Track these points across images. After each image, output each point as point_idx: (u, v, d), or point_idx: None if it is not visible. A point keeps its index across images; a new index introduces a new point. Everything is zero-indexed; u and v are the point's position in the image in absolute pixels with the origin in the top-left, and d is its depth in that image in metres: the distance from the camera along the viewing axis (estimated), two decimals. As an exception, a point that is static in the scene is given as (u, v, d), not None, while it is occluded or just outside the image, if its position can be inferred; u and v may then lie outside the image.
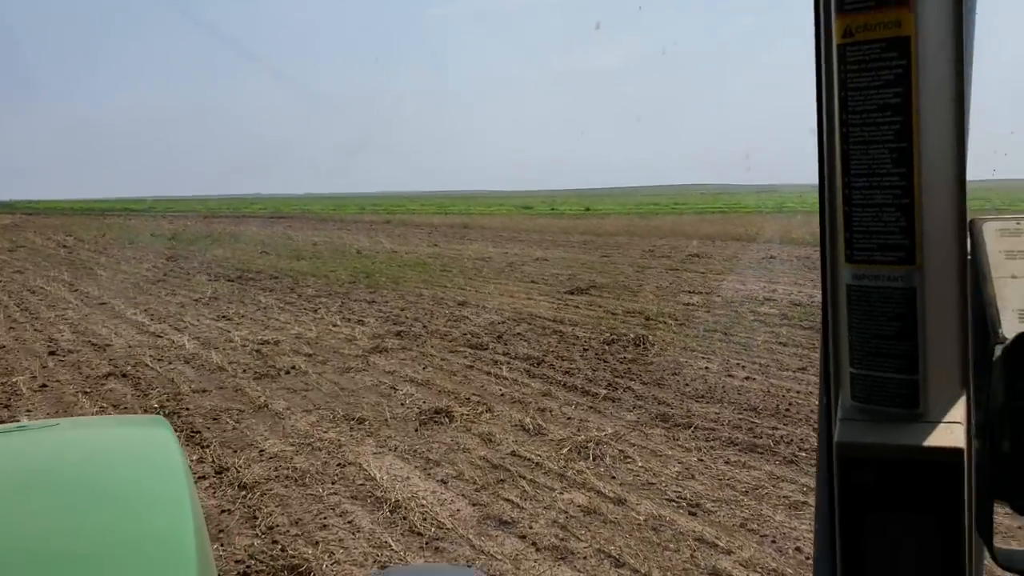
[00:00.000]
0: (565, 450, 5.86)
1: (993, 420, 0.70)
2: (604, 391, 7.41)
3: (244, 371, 8.59)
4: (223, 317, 12.24)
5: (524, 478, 5.38)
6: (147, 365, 8.93)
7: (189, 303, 13.88)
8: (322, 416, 6.85)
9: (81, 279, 18.12)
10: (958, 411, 0.71)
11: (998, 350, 0.72)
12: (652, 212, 53.10)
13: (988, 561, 0.75)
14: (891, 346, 0.71)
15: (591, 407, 6.96)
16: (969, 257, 0.74)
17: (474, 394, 7.41)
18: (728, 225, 34.85)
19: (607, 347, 9.31)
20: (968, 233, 0.73)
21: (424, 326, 11.06)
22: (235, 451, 6.06)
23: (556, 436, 6.18)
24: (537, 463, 5.66)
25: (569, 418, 6.65)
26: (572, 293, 14.11)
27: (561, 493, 5.14)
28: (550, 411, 6.85)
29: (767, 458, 5.65)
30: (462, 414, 6.70)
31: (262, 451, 6.04)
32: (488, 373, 8.24)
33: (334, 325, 11.35)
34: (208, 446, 6.11)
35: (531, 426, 6.41)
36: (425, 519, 4.78)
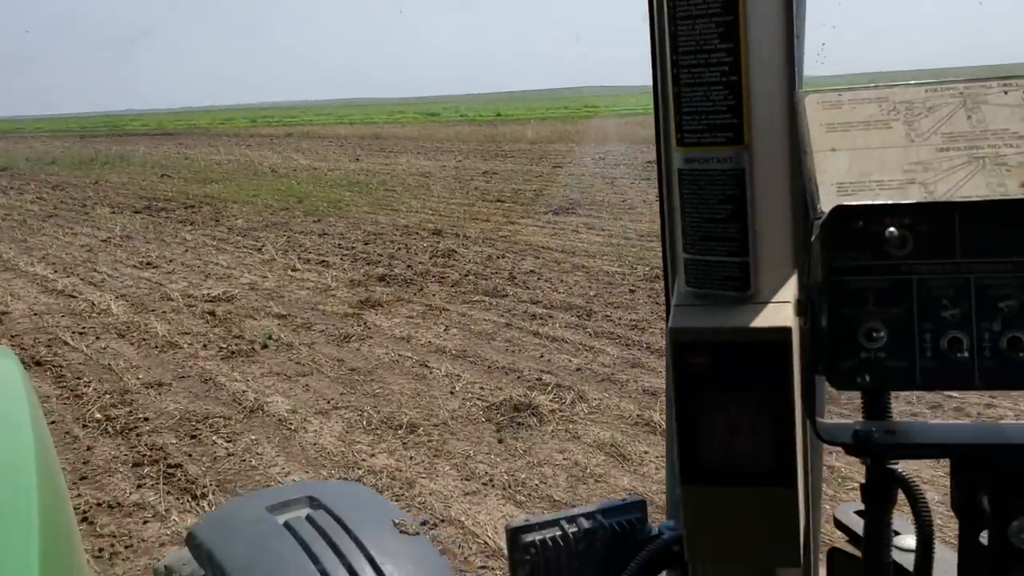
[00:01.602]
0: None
1: (814, 296, 0.72)
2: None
3: (205, 346, 6.43)
4: (146, 263, 9.84)
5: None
6: (66, 343, 6.65)
7: (97, 245, 11.33)
8: (349, 422, 4.86)
9: (-50, 217, 15.08)
10: (788, 291, 0.71)
11: (816, 225, 0.72)
12: (570, 116, 51.06)
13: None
14: (722, 229, 0.71)
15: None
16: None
17: (541, 370, 5.52)
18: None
19: (655, 286, 7.51)
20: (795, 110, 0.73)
21: (408, 266, 9.00)
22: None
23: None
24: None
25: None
26: (556, 213, 12.21)
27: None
28: (663, 391, 5.05)
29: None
30: (550, 408, 4.81)
31: (286, 494, 4.04)
32: (535, 334, 6.34)
33: (293, 269, 9.16)
34: (200, 493, 4.05)
35: (659, 420, 4.60)
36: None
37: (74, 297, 8.26)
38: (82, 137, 52.36)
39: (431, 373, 5.59)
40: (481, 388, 5.24)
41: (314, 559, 1.23)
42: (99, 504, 3.95)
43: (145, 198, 16.77)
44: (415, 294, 7.78)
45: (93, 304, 7.90)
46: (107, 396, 5.39)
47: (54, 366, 6.07)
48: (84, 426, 4.93)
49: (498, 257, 9.26)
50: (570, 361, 5.67)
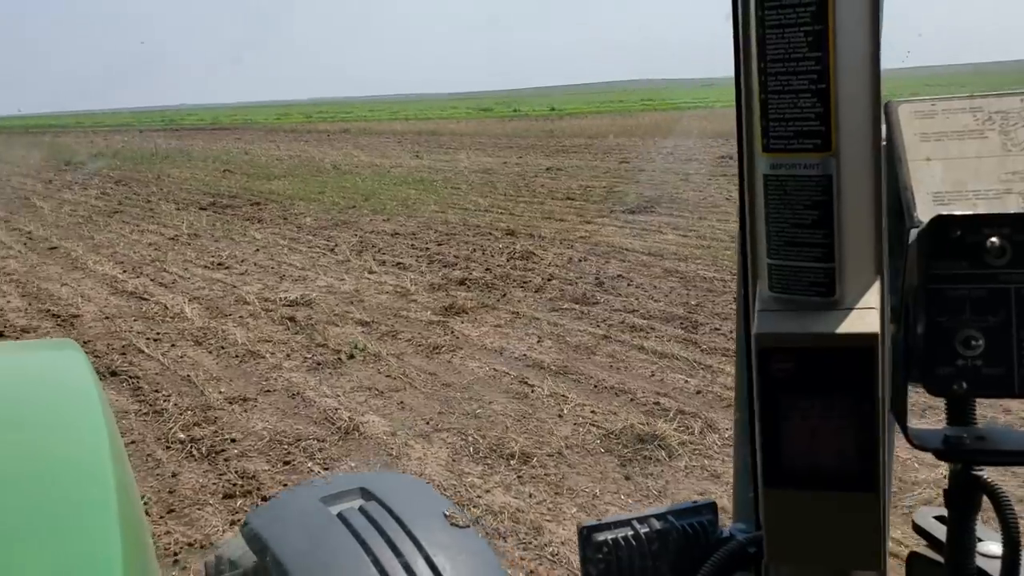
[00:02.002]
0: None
1: (908, 304, 0.74)
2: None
3: (288, 356, 6.06)
4: (217, 264, 9.56)
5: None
6: (141, 351, 6.34)
7: (164, 243, 11.10)
8: (453, 447, 4.42)
9: (18, 213, 15.06)
10: (873, 297, 0.71)
11: (913, 234, 0.74)
12: (625, 110, 50.27)
13: (901, 441, 0.77)
14: (808, 235, 0.71)
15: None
16: (884, 142, 0.74)
17: (656, 391, 5.03)
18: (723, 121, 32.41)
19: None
20: (884, 117, 0.73)
21: (486, 269, 8.57)
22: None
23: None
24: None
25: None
26: (632, 212, 11.68)
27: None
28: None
29: None
30: (679, 439, 4.32)
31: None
32: (639, 348, 5.85)
33: (369, 271, 8.78)
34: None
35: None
36: None
37: (146, 299, 7.98)
38: (140, 132, 53.09)
39: (533, 392, 5.13)
40: (592, 412, 4.77)
41: (367, 550, 1.23)
42: (190, 544, 3.56)
43: (209, 194, 16.61)
44: (499, 300, 7.33)
45: (166, 307, 7.60)
46: (189, 413, 5.04)
47: (130, 377, 5.74)
48: (167, 447, 4.57)
49: (580, 260, 8.78)
50: (686, 382, 5.17)
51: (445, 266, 8.90)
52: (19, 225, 13.47)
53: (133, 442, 4.63)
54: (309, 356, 6.02)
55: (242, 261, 9.66)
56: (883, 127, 0.71)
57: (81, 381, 1.61)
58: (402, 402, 5.08)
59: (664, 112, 44.99)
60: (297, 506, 1.43)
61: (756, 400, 0.72)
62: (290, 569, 1.22)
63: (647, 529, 0.89)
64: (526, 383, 5.28)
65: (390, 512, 1.32)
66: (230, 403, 5.17)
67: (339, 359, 5.91)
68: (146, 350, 6.34)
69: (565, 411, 4.80)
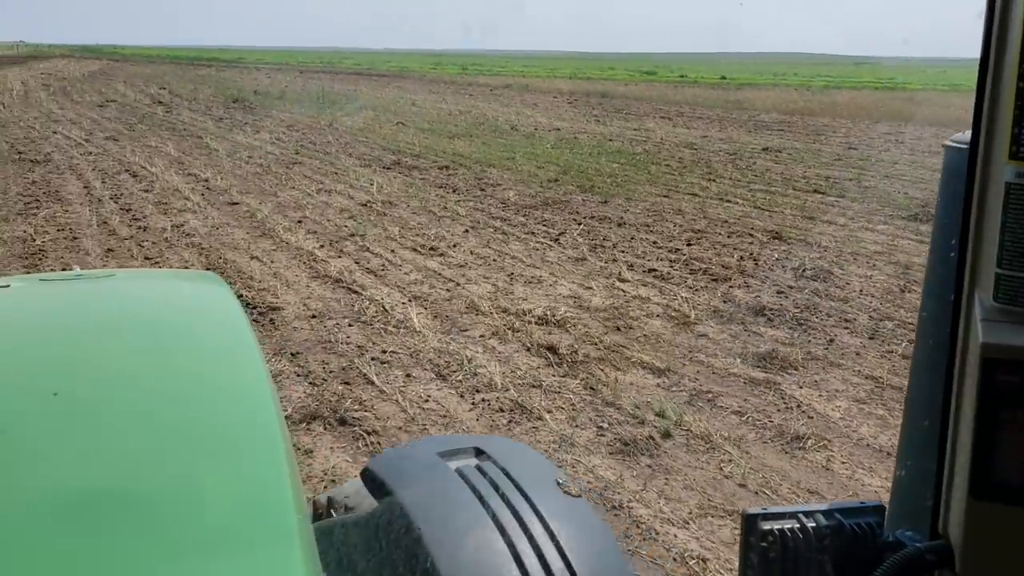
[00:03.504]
0: None
1: None
2: None
3: (571, 418, 4.34)
4: (428, 247, 7.96)
5: None
6: (370, 381, 4.76)
7: (358, 211, 9.64)
8: None
9: (191, 154, 14.05)
10: None
11: None
12: (803, 84, 46.57)
13: None
14: None
15: None
16: None
17: None
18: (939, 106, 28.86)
19: None
20: None
21: (778, 291, 6.63)
22: None
23: None
24: None
25: None
26: (915, 220, 9.43)
27: None
28: None
29: None
30: None
31: None
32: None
33: (620, 279, 6.98)
34: None
35: None
36: None
37: (356, 292, 6.45)
38: (301, 72, 53.04)
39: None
40: None
41: (485, 506, 1.23)
42: None
43: (390, 150, 15.22)
44: (827, 348, 5.40)
45: (384, 308, 6.04)
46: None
47: (365, 432, 4.14)
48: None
49: (902, 290, 6.71)
50: None
51: (714, 279, 7.00)
52: (194, 170, 12.37)
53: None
54: (603, 425, 4.28)
55: (454, 245, 8.04)
56: None
57: (229, 310, 1.64)
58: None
59: (853, 91, 41.18)
60: (417, 458, 1.41)
61: (975, 409, 0.71)
62: (412, 515, 1.22)
63: (813, 524, 0.85)
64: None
65: (505, 473, 1.30)
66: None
67: (650, 439, 4.12)
68: (376, 380, 4.76)
69: None
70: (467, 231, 8.69)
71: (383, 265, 7.27)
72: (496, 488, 1.27)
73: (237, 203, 9.93)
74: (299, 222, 8.95)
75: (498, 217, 9.47)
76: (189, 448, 1.08)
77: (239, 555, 0.91)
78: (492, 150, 15.54)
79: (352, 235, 8.38)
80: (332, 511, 1.45)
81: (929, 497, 0.78)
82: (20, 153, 13.72)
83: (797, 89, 41.18)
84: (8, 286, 1.79)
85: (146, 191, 10.52)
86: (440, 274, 7.02)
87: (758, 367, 5.07)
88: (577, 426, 4.26)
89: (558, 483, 1.31)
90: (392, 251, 7.79)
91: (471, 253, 7.77)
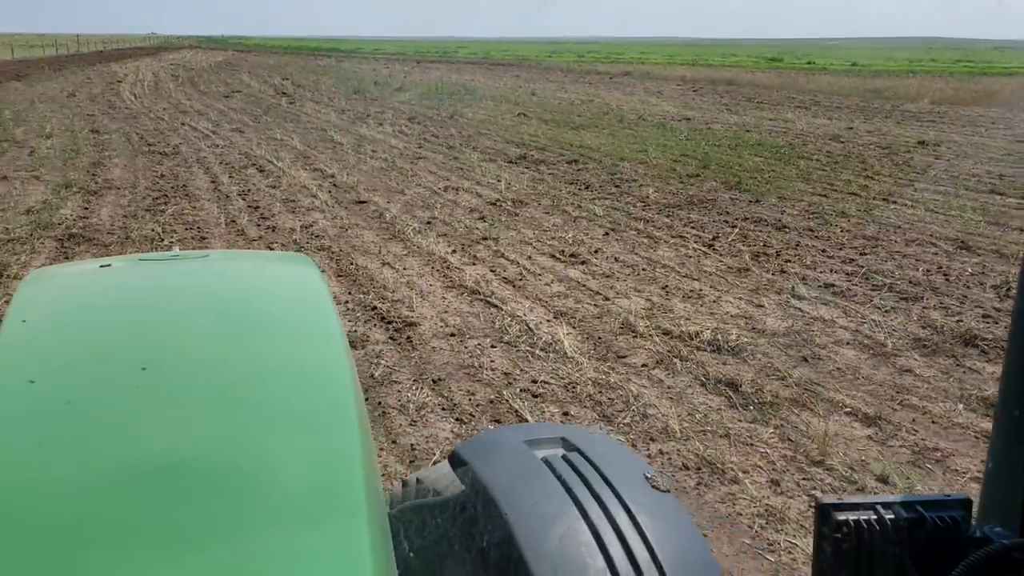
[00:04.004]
0: None
1: None
2: None
3: (773, 481, 3.58)
4: (568, 254, 7.26)
5: None
6: (523, 420, 4.12)
7: (485, 210, 9.04)
8: None
9: (316, 148, 13.80)
10: None
11: None
12: (944, 71, 43.64)
13: None
14: None
15: None
16: None
17: None
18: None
19: None
20: None
21: (983, 314, 5.66)
22: None
23: None
24: None
25: None
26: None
27: None
28: None
29: None
30: None
31: None
32: None
33: (794, 295, 6.13)
34: None
35: None
36: None
37: (495, 307, 5.83)
38: (418, 63, 53.26)
39: None
40: None
41: (572, 496, 1.21)
42: None
43: (513, 143, 14.62)
44: (1067, 392, 4.44)
45: (528, 327, 5.40)
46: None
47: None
48: None
49: None
50: None
51: (903, 297, 6.07)
52: (321, 165, 12.06)
53: None
54: (814, 492, 3.50)
55: (595, 251, 7.33)
56: None
57: (317, 292, 1.68)
58: None
59: (999, 77, 38.25)
60: (504, 445, 1.39)
61: None
62: (499, 502, 1.20)
63: (892, 516, 0.81)
64: None
65: (592, 465, 1.28)
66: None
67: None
68: (529, 419, 4.11)
69: None
70: (607, 234, 7.97)
71: (520, 274, 6.63)
72: (583, 479, 1.24)
73: (365, 201, 9.49)
74: (428, 223, 8.42)
75: (639, 218, 8.70)
76: (266, 424, 1.12)
77: (306, 528, 0.91)
78: (621, 142, 14.73)
79: (484, 238, 7.77)
80: (421, 495, 1.43)
81: (1021, 492, 0.76)
82: (150, 145, 13.77)
83: (939, 76, 38.56)
84: (110, 265, 1.87)
85: (273, 187, 10.22)
86: (584, 285, 6.33)
87: (987, 416, 4.18)
88: (782, 493, 3.49)
89: (646, 477, 1.27)
90: (528, 257, 7.14)
91: (616, 260, 7.04)
